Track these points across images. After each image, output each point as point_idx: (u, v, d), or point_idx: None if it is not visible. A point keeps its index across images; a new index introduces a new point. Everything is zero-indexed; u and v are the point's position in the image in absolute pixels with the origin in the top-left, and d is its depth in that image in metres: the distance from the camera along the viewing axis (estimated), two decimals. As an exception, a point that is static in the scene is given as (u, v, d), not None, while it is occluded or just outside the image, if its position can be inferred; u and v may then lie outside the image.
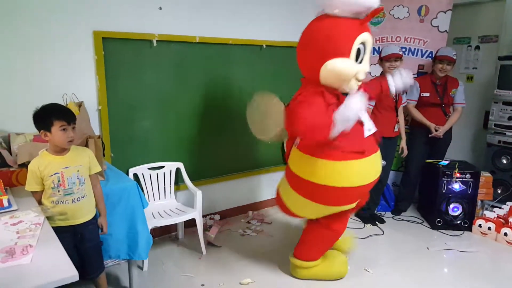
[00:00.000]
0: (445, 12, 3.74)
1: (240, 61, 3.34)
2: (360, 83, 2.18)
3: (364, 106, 1.96)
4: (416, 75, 3.79)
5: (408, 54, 3.87)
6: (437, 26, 3.78)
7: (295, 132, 2.25)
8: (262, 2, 3.39)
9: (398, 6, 3.82)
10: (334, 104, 2.09)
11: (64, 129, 1.78)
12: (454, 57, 3.40)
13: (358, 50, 2.08)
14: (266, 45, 3.42)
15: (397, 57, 3.20)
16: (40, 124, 1.78)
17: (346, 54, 2.05)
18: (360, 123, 2.18)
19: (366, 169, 2.22)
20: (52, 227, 1.62)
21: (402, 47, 3.87)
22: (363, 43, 2.09)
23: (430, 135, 3.51)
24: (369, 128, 2.25)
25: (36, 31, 2.41)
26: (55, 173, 1.81)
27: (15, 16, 2.33)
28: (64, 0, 2.47)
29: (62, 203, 1.84)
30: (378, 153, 2.33)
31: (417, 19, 3.80)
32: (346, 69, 2.06)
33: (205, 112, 3.23)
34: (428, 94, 3.50)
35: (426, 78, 3.58)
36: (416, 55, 3.84)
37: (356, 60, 2.09)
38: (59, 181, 1.81)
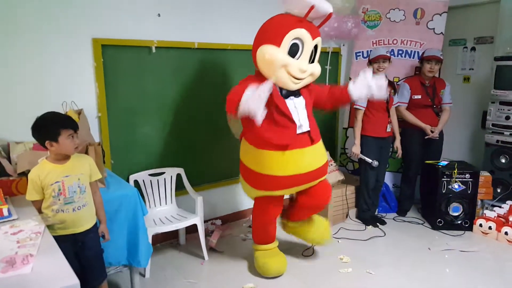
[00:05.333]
0: (440, 15, 3.78)
1: (239, 66, 3.34)
2: (298, 81, 2.31)
3: (263, 95, 1.94)
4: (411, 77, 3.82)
5: (405, 57, 3.90)
6: (433, 28, 3.81)
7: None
8: (260, 7, 3.40)
9: (394, 9, 3.85)
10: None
11: (72, 137, 1.79)
12: (441, 57, 3.47)
13: (295, 45, 2.24)
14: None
15: (385, 58, 3.25)
16: (46, 135, 1.75)
17: (277, 43, 2.22)
18: (291, 121, 2.35)
19: (288, 161, 2.37)
20: (53, 236, 1.60)
21: (399, 50, 3.91)
22: (299, 39, 2.24)
23: (426, 137, 3.53)
24: (300, 125, 2.40)
25: (34, 39, 2.41)
26: (55, 182, 1.79)
27: (14, 24, 2.33)
28: (63, 8, 2.48)
29: (63, 211, 1.82)
30: (311, 149, 2.46)
31: (413, 22, 3.84)
32: (273, 55, 2.22)
33: (205, 117, 3.24)
34: (419, 96, 3.53)
35: (415, 80, 3.61)
36: (413, 57, 3.87)
37: (294, 55, 2.26)
38: (59, 190, 1.80)
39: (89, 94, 2.66)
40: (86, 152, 2.20)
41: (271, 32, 2.28)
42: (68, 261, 1.39)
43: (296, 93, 2.41)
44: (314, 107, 2.56)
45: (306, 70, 2.29)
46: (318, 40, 2.36)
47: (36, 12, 2.40)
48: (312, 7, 2.19)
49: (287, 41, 2.22)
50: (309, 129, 2.44)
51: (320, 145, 2.57)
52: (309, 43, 2.28)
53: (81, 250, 1.91)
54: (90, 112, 2.63)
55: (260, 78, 2.29)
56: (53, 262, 1.38)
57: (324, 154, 2.62)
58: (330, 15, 2.30)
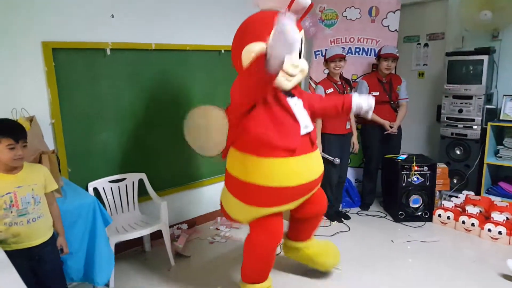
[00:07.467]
0: (394, 12, 3.91)
1: (199, 67, 3.30)
2: (291, 79, 2.10)
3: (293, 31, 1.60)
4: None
5: (362, 54, 4.00)
6: (388, 26, 3.94)
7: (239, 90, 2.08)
8: (218, 7, 3.38)
9: (350, 8, 3.95)
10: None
11: (12, 148, 1.69)
12: (397, 54, 3.60)
13: None
14: (224, 50, 3.40)
15: (341, 57, 3.32)
16: None
17: (264, 40, 1.95)
18: (295, 120, 2.13)
19: (296, 169, 2.13)
20: (6, 251, 1.54)
21: (356, 47, 4.00)
22: None
23: (385, 133, 3.64)
24: (306, 125, 2.19)
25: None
26: (7, 193, 1.71)
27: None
28: (9, 11, 2.34)
29: (16, 224, 1.73)
30: (314, 154, 2.25)
31: (369, 20, 3.94)
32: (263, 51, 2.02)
33: (165, 120, 3.17)
34: (377, 93, 3.63)
35: (372, 77, 3.71)
36: (370, 55, 3.98)
37: None
38: (11, 201, 1.71)
39: (41, 100, 2.53)
40: (40, 161, 2.10)
41: (256, 29, 2.08)
42: (23, 277, 1.33)
43: (290, 94, 2.19)
44: None
45: (298, 65, 2.11)
46: (302, 33, 2.18)
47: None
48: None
49: None
50: (310, 130, 2.21)
51: (318, 150, 2.34)
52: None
53: (38, 264, 1.83)
54: (43, 119, 2.50)
55: None
56: (6, 280, 1.32)
57: (321, 159, 2.37)
58: (311, 6, 2.14)
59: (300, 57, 2.19)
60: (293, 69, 2.10)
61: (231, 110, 2.22)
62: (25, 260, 1.75)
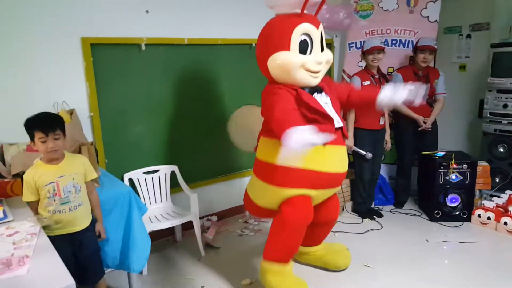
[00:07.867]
0: (434, 2, 3.73)
1: (230, 61, 3.32)
2: (317, 75, 2.19)
3: (310, 140, 1.71)
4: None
5: (399, 46, 3.86)
6: (427, 16, 3.76)
7: (269, 121, 2.18)
8: (248, 0, 3.37)
9: None
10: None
11: (43, 141, 1.76)
12: (435, 46, 3.42)
13: (304, 42, 2.13)
14: (255, 44, 3.37)
15: (380, 50, 3.22)
16: (28, 135, 1.79)
17: (286, 47, 2.11)
18: (326, 117, 2.19)
19: (329, 156, 2.22)
20: (50, 236, 1.62)
21: (392, 39, 3.86)
22: (307, 34, 2.13)
23: (419, 129, 3.49)
24: (338, 120, 2.27)
25: (23, 41, 2.40)
26: (50, 183, 1.80)
27: (2, 26, 2.32)
28: (50, 8, 2.46)
29: (59, 212, 1.84)
30: (344, 149, 2.34)
31: (407, 10, 3.78)
32: (287, 59, 2.11)
33: (197, 113, 3.22)
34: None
35: (408, 70, 3.55)
36: (407, 47, 3.82)
37: (305, 51, 2.14)
38: (54, 190, 1.81)
39: (80, 93, 2.65)
40: (79, 152, 2.20)
41: (275, 38, 2.16)
42: (65, 260, 1.40)
43: (318, 89, 2.26)
44: None
45: (322, 60, 2.19)
46: (321, 27, 2.25)
47: (24, 13, 2.38)
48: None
49: (295, 41, 2.11)
50: (342, 124, 2.30)
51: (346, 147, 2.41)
52: (316, 34, 2.17)
53: (79, 249, 1.93)
54: (82, 112, 2.62)
55: (279, 85, 2.20)
56: (49, 263, 1.39)
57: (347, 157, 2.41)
58: (323, 0, 2.19)
59: (322, 49, 2.24)
60: (318, 66, 2.17)
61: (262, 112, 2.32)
62: (67, 244, 1.86)
